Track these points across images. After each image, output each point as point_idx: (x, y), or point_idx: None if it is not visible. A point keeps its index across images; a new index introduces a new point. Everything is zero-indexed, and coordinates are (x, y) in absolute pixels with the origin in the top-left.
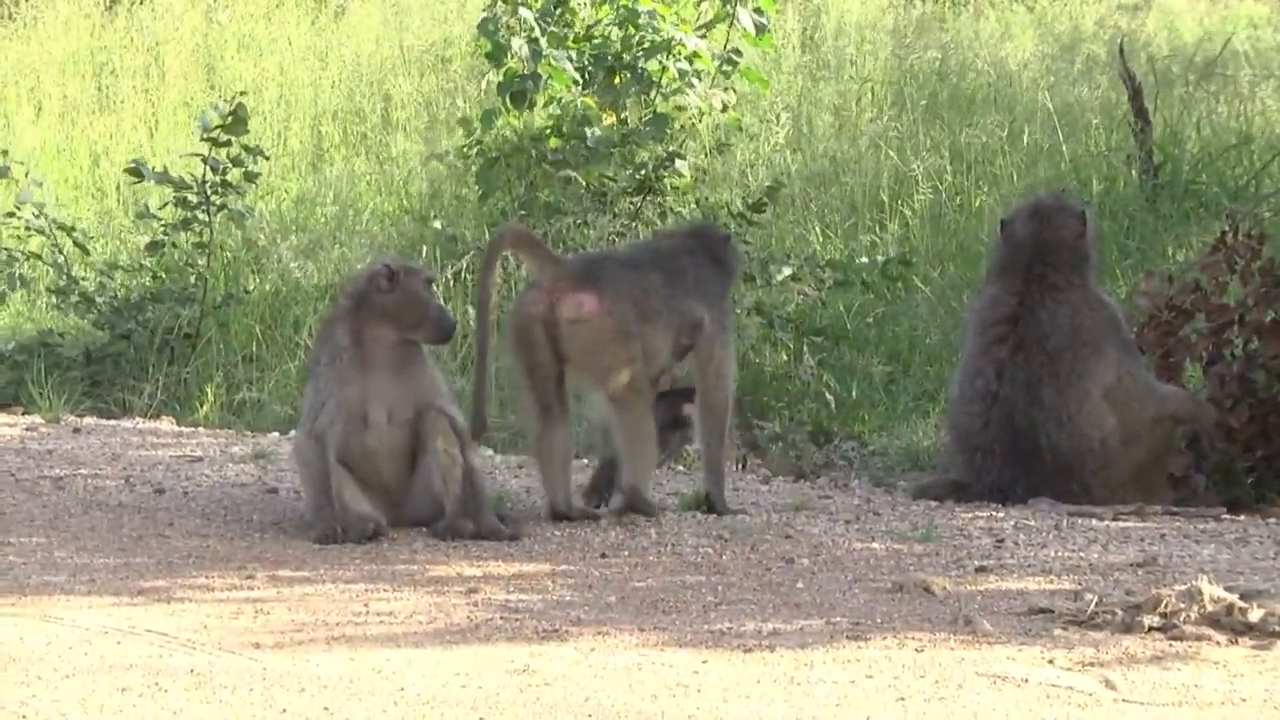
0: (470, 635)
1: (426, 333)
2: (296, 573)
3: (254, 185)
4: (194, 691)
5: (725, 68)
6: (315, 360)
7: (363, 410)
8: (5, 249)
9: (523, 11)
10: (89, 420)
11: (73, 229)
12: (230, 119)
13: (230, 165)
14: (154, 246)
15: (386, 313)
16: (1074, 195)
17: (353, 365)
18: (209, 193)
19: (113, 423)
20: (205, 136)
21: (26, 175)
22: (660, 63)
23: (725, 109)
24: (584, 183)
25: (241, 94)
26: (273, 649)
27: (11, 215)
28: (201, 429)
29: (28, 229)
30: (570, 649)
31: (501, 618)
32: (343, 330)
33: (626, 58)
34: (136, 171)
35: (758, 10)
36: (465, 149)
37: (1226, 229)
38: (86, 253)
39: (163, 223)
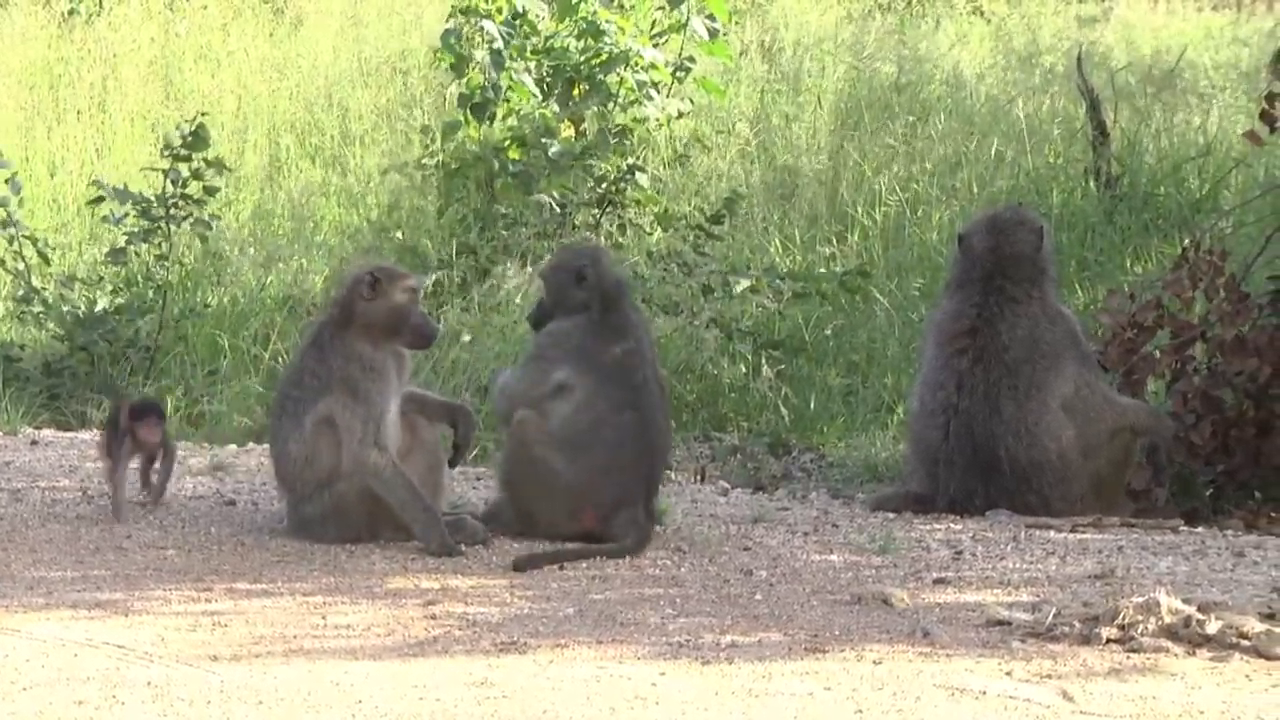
0: (428, 648)
1: (407, 339)
2: (254, 585)
3: (213, 198)
4: (151, 704)
5: (679, 74)
6: (343, 376)
7: (394, 415)
8: None
9: (486, 24)
10: (47, 432)
11: (36, 239)
12: (191, 138)
13: (191, 178)
14: (115, 254)
15: (369, 320)
16: (1031, 208)
17: (390, 376)
18: (169, 206)
19: (71, 435)
20: (166, 153)
21: (7, 181)
22: (619, 74)
23: (680, 116)
24: (550, 196)
25: (203, 114)
26: (230, 661)
27: None
28: None
29: None
30: (529, 661)
31: (460, 630)
32: (355, 341)
33: (585, 69)
34: (99, 198)
35: (709, 16)
36: (423, 160)
37: (1189, 245)
38: (48, 263)
39: (125, 230)
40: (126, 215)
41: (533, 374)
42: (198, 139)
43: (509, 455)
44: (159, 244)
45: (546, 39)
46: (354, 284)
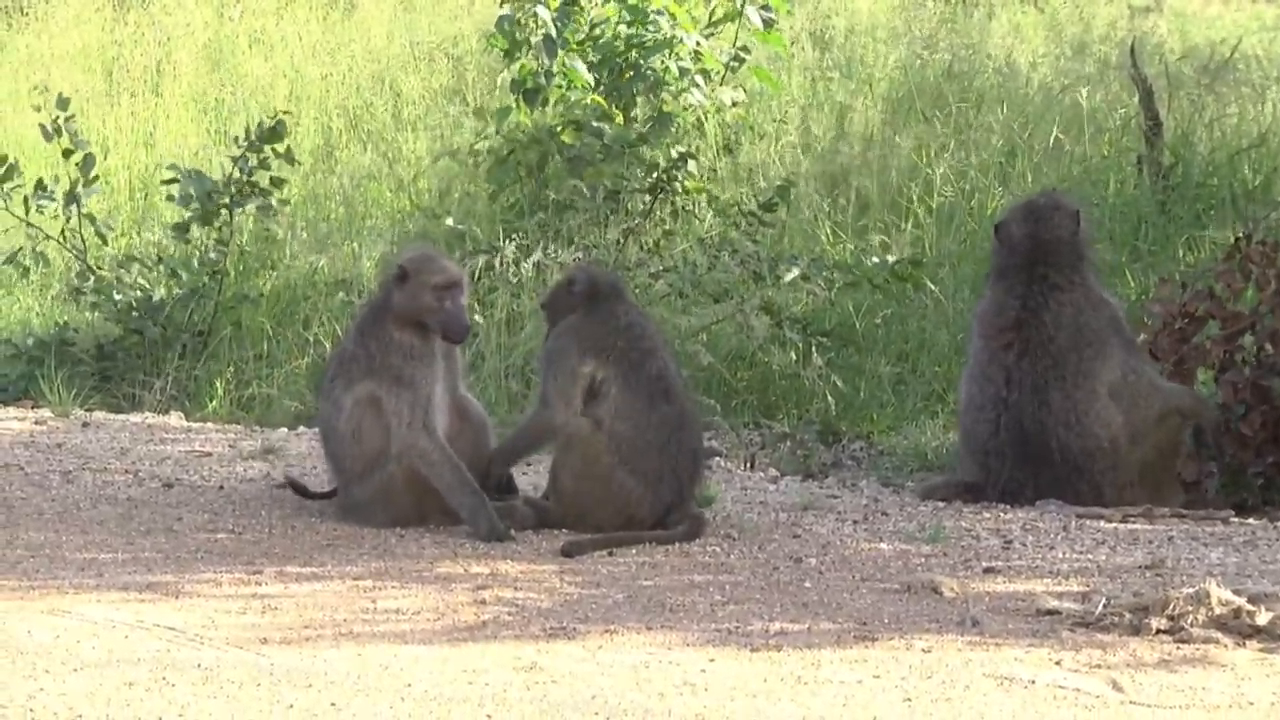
0: (477, 632)
1: (437, 332)
2: (304, 568)
3: (280, 189)
4: (201, 686)
5: (734, 64)
6: (385, 363)
7: (441, 398)
8: (36, 228)
9: (540, 10)
10: (98, 414)
11: (95, 219)
12: (269, 134)
13: (258, 167)
14: (180, 229)
15: (401, 310)
16: (1067, 193)
17: (434, 360)
18: (234, 193)
19: (122, 417)
20: (243, 144)
21: (78, 164)
22: (663, 60)
23: (734, 105)
24: (607, 182)
25: (285, 113)
26: (280, 645)
27: (43, 189)
28: (211, 424)
29: (55, 216)
30: (577, 647)
31: (509, 615)
32: (395, 328)
33: (633, 56)
34: (174, 179)
35: (765, 6)
36: (474, 145)
37: (1241, 236)
38: (105, 243)
39: (191, 209)
40: (191, 198)
41: (563, 375)
42: (275, 134)
43: (572, 470)
44: (219, 229)
45: (593, 26)
46: (389, 274)
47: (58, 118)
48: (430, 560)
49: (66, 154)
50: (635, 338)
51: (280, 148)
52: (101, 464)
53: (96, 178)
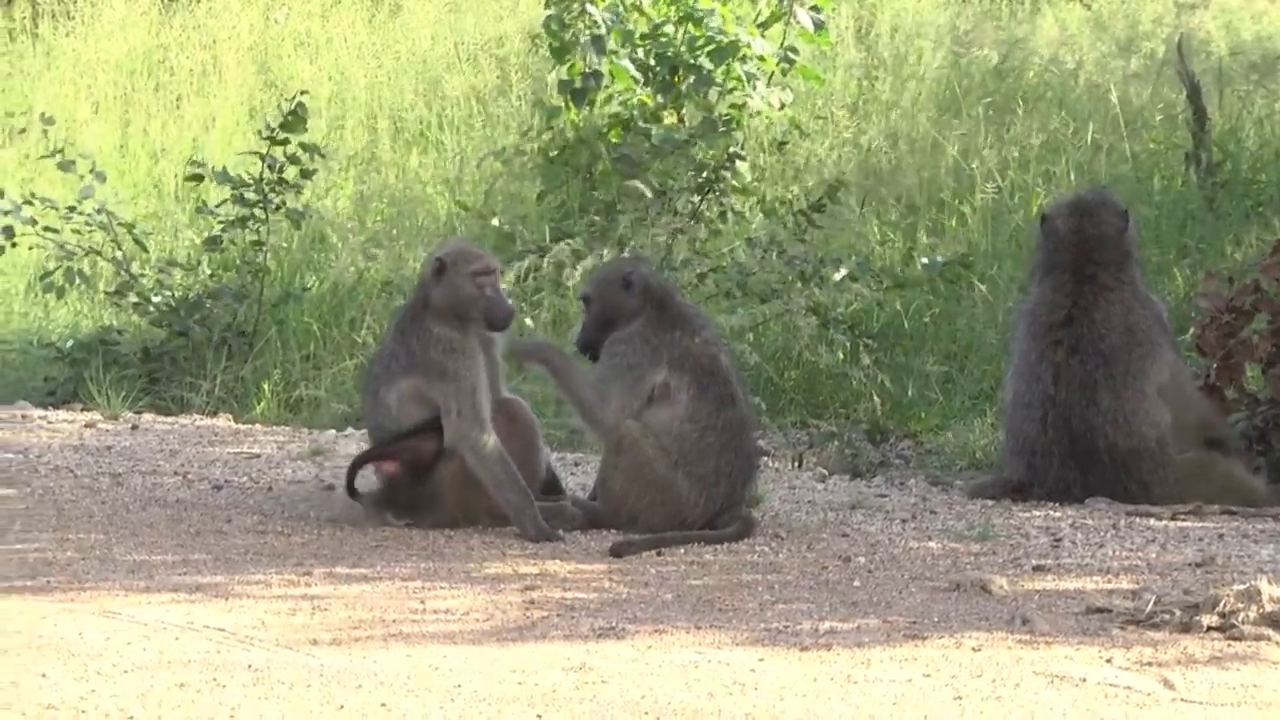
0: (527, 632)
1: (479, 322)
2: (354, 569)
3: (310, 182)
4: (252, 688)
5: (783, 65)
6: (425, 360)
7: (489, 396)
8: (65, 244)
9: (590, 9)
10: (147, 417)
11: (133, 226)
12: (290, 117)
13: (287, 163)
14: (212, 242)
15: (441, 304)
16: (1114, 192)
17: (475, 353)
18: (266, 191)
19: (171, 419)
20: (265, 135)
21: (91, 171)
22: (727, 65)
23: (783, 107)
24: (649, 182)
25: (303, 93)
26: (330, 645)
27: (73, 209)
28: (259, 426)
29: (88, 225)
30: (627, 647)
31: (558, 615)
32: (434, 324)
33: (689, 57)
34: (197, 176)
35: (814, 8)
36: (521, 147)
37: None
38: (145, 250)
39: (220, 220)
40: (223, 203)
41: (629, 383)
42: (296, 119)
43: (624, 473)
44: (255, 229)
45: (655, 26)
46: (426, 269)
47: (45, 131)
48: (479, 561)
49: (63, 168)
50: (705, 342)
51: (305, 140)
52: (151, 466)
53: (104, 178)
